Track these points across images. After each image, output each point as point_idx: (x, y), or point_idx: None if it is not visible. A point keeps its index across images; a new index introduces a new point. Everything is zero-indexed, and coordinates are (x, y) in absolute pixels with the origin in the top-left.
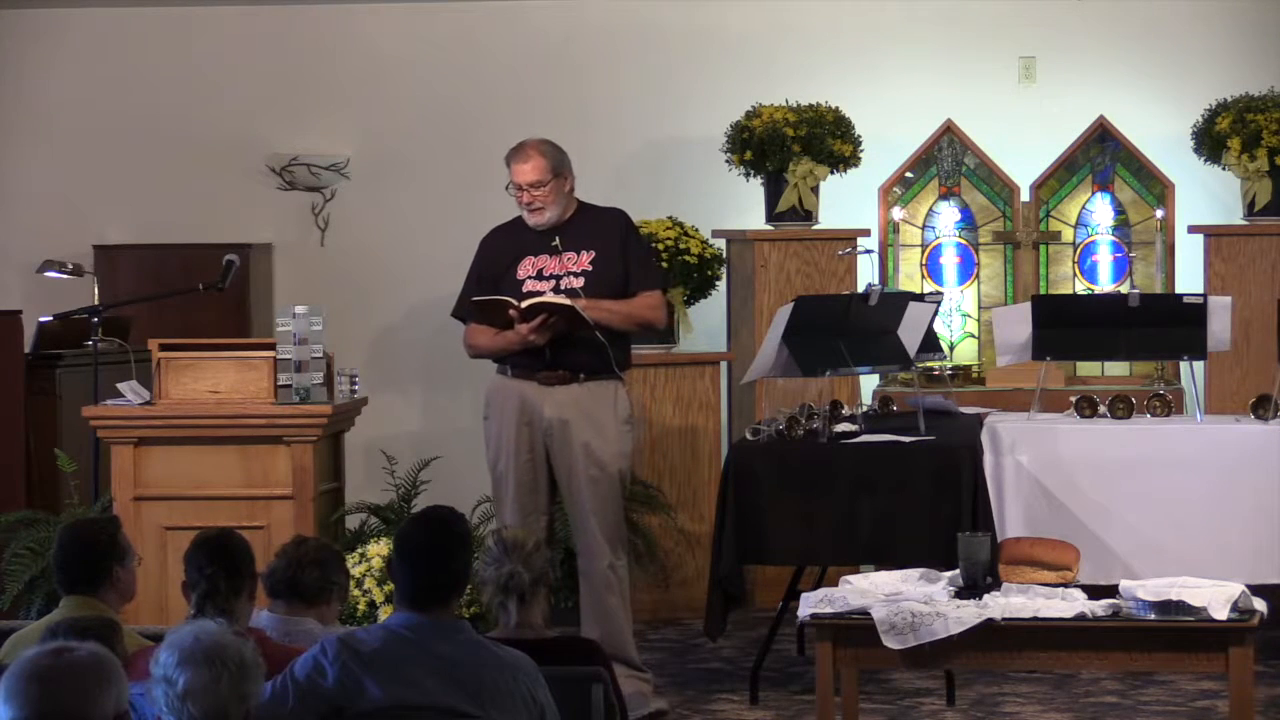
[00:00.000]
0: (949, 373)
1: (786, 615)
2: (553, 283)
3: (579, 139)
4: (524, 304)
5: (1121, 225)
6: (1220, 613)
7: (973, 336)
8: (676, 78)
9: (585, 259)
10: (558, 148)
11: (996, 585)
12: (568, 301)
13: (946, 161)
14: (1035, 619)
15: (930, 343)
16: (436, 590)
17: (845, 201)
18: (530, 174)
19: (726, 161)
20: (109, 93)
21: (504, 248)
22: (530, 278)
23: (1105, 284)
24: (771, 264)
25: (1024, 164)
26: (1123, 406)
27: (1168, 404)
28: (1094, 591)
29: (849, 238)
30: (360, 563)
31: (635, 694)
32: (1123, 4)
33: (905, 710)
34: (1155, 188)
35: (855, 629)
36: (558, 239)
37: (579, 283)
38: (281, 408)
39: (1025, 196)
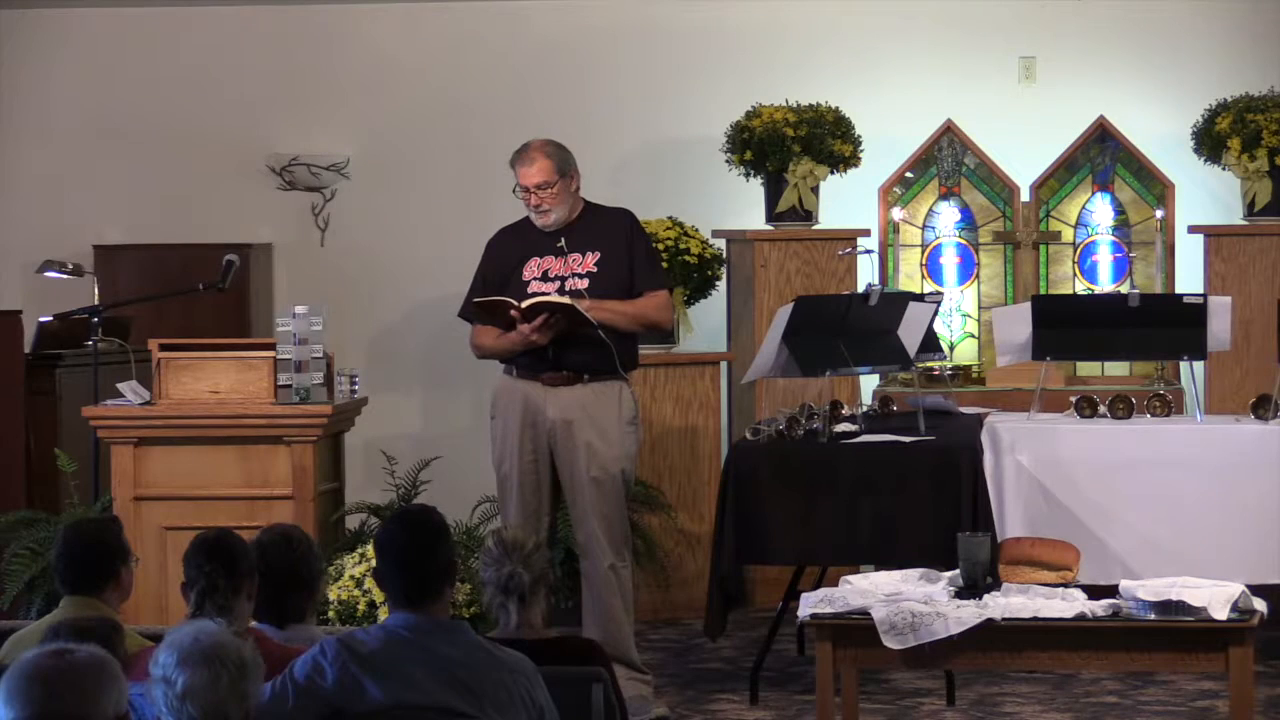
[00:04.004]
0: (949, 373)
1: (786, 615)
2: (557, 284)
3: (579, 139)
4: (524, 304)
5: (1121, 225)
6: (1220, 613)
7: (973, 336)
8: (676, 78)
9: (590, 260)
10: (562, 148)
11: (996, 585)
12: (568, 300)
13: (946, 161)
14: (1035, 619)
15: (930, 343)
16: (428, 584)
17: (845, 201)
18: (536, 176)
19: (726, 161)
20: (109, 93)
21: (510, 249)
22: (535, 279)
23: (1105, 284)
24: (771, 264)
25: (1024, 164)
26: (1123, 406)
27: (1168, 404)
28: (1094, 591)
29: (849, 238)
30: (360, 563)
31: (636, 697)
32: (1123, 4)
33: (905, 710)
34: (1155, 188)
35: (855, 629)
36: (563, 240)
37: (584, 284)
38: (281, 408)
39: (1025, 196)
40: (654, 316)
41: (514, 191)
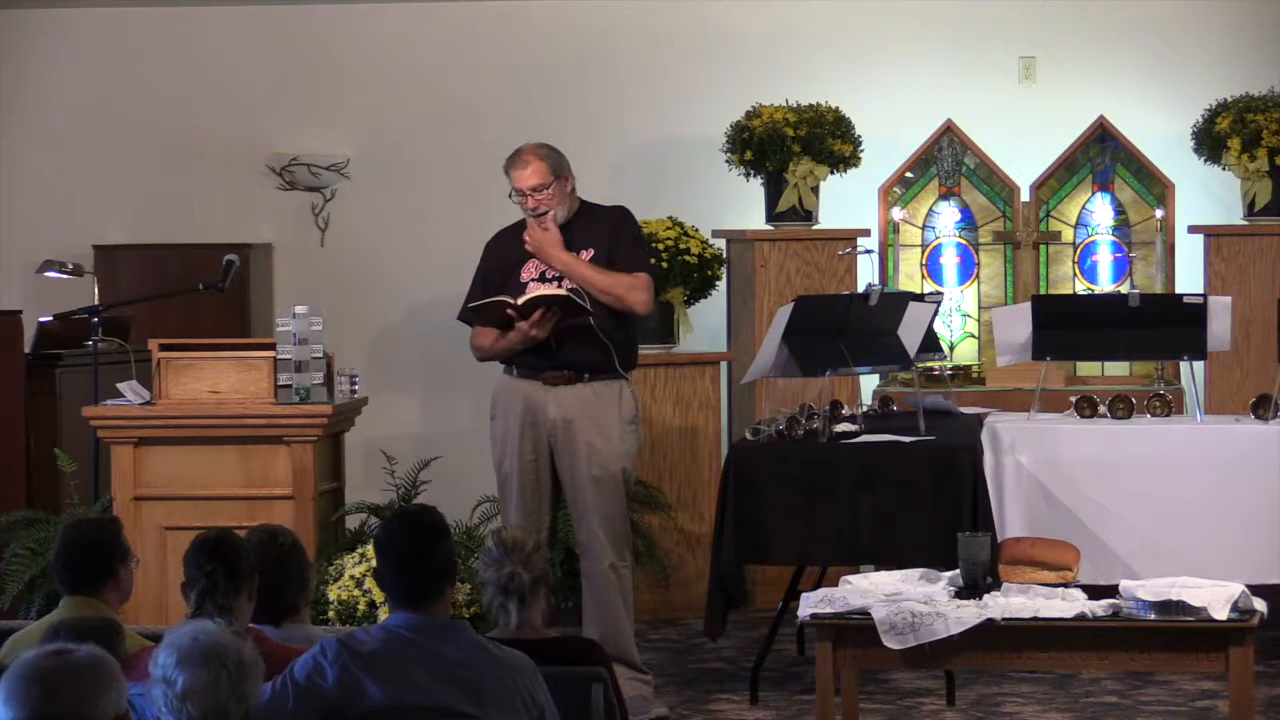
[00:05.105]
0: (949, 373)
1: (786, 615)
2: (555, 284)
3: (579, 139)
4: (519, 300)
5: (1121, 225)
6: (1220, 613)
7: (973, 336)
8: (676, 78)
9: (585, 258)
10: (555, 150)
11: (996, 585)
12: (561, 291)
13: (946, 161)
14: (1035, 619)
15: (930, 343)
16: (428, 584)
17: (845, 201)
18: (531, 179)
19: (726, 161)
20: (109, 93)
21: (507, 251)
22: (533, 279)
23: (1105, 284)
24: (771, 264)
25: (1024, 164)
26: (1123, 406)
27: (1168, 404)
28: (1094, 591)
29: (849, 238)
30: (360, 563)
31: (636, 697)
32: (1123, 4)
33: (905, 710)
34: (1155, 188)
35: (855, 629)
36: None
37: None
38: (281, 408)
39: (1025, 196)
40: (622, 291)
41: (510, 196)
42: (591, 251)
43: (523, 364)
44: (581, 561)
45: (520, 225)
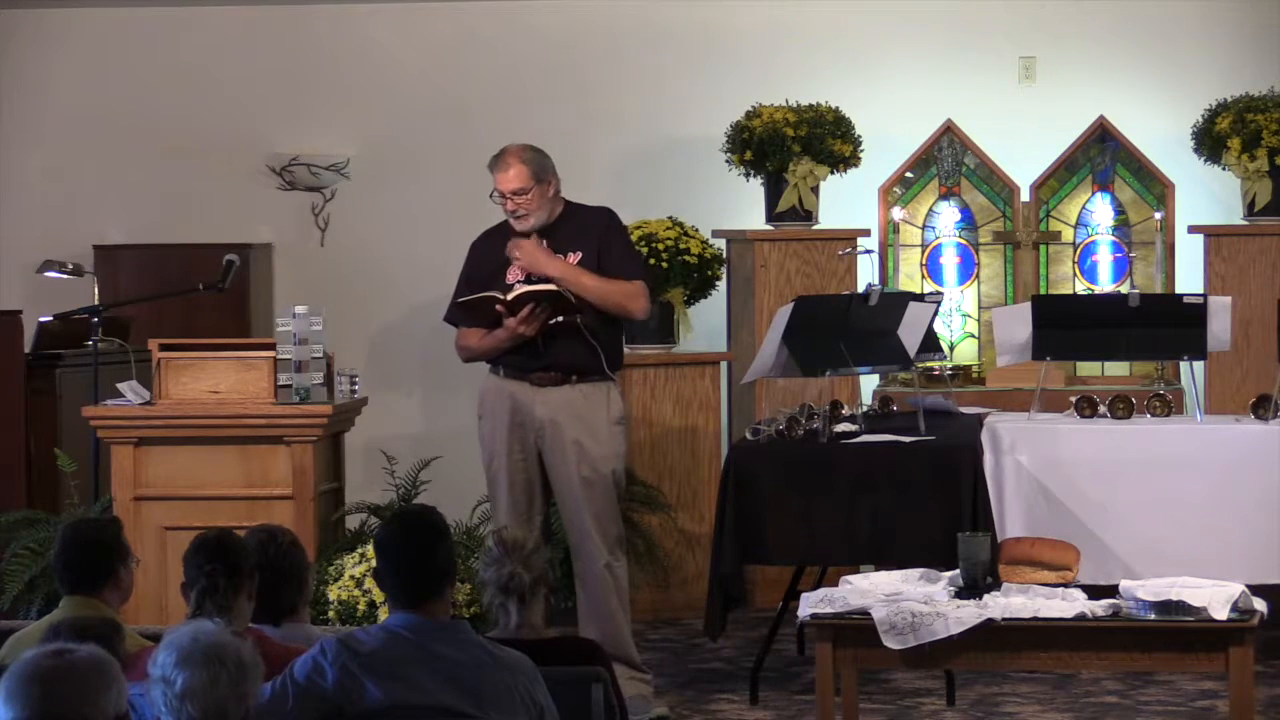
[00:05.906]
0: (949, 373)
1: (786, 615)
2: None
3: (579, 139)
4: (509, 296)
5: (1121, 225)
6: (1220, 613)
7: (973, 336)
8: (676, 78)
9: (572, 260)
10: (539, 153)
11: (996, 585)
12: (552, 286)
13: (946, 161)
14: (1035, 619)
15: (930, 343)
16: (428, 584)
17: (845, 201)
18: (512, 181)
19: (726, 161)
20: (109, 93)
21: (492, 252)
22: (519, 281)
23: (1105, 284)
24: (771, 264)
25: (1024, 164)
26: (1123, 406)
27: (1168, 404)
28: (1094, 591)
29: (849, 238)
30: (360, 563)
31: (636, 696)
32: (1123, 4)
33: (905, 710)
34: (1155, 188)
35: (855, 629)
36: (544, 242)
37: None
38: (281, 408)
39: (1025, 196)
40: (624, 302)
41: (491, 197)
42: (579, 254)
43: (510, 365)
44: (575, 563)
45: (504, 226)
